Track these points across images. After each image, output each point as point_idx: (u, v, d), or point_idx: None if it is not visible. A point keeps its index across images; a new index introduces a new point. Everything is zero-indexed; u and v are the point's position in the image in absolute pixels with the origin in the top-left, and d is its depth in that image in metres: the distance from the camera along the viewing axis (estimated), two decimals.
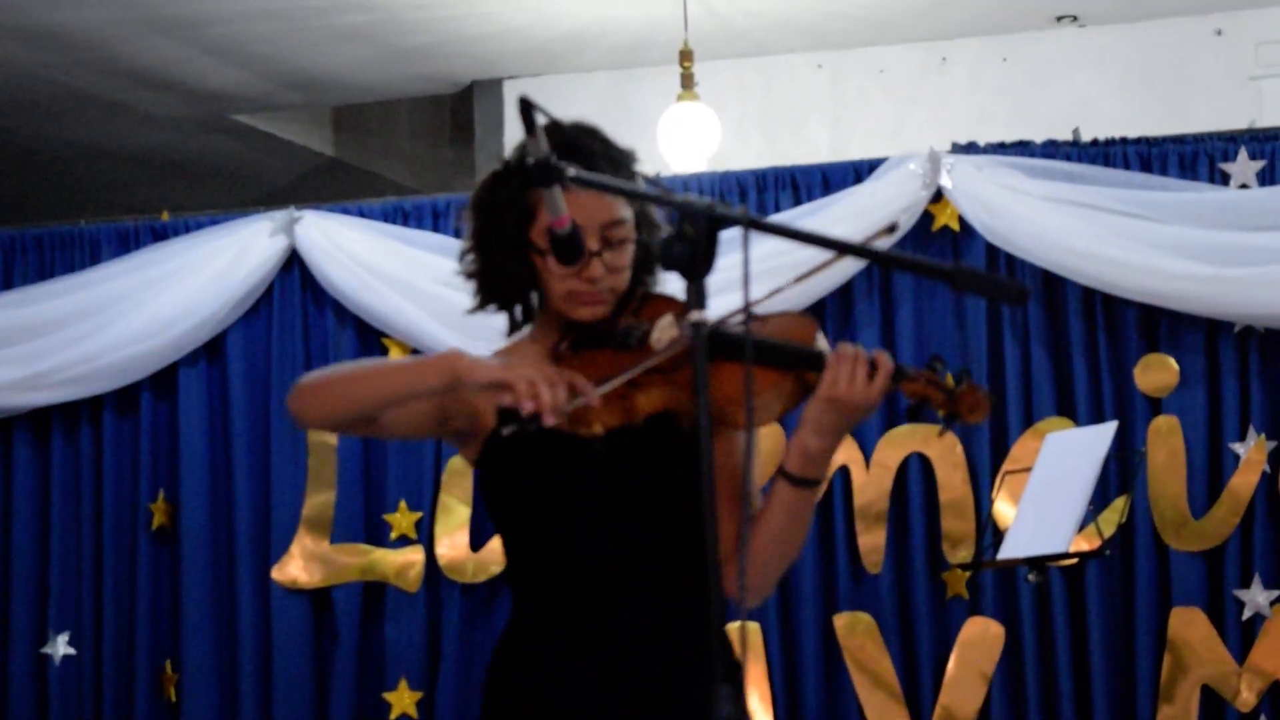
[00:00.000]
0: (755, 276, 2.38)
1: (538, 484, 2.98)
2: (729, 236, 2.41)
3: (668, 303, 2.99)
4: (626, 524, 2.94)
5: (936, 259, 5.83)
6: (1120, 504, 5.78)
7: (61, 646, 6.61)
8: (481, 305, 3.10)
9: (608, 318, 3.00)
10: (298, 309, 6.58)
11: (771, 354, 2.82)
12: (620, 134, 3.09)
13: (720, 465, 2.94)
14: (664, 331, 2.88)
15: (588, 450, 2.89)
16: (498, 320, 3.15)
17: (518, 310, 3.11)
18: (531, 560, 3.02)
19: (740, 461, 2.99)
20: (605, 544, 2.95)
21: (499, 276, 3.05)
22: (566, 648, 2.95)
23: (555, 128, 2.90)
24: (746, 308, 2.44)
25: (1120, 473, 5.90)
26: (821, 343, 2.86)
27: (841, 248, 2.54)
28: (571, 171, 2.65)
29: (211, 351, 6.59)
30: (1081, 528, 5.39)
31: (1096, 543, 5.47)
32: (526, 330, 3.12)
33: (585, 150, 2.97)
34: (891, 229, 2.78)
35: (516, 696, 2.99)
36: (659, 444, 2.92)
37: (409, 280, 6.37)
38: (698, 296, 2.39)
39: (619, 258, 2.99)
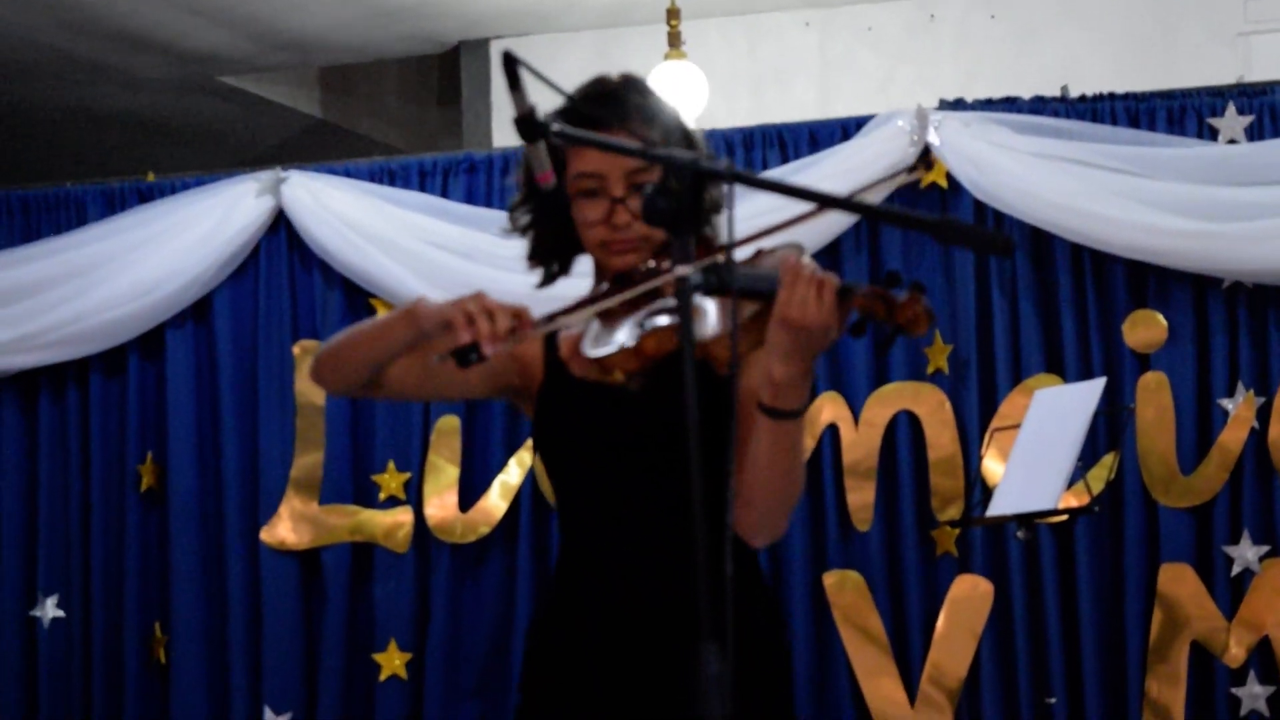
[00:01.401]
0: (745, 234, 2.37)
1: (575, 431, 3.03)
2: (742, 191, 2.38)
3: (703, 247, 2.89)
4: (658, 467, 2.96)
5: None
6: (1109, 460, 5.79)
7: (50, 609, 6.61)
8: (532, 258, 3.11)
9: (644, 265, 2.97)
10: (284, 270, 6.57)
11: (742, 282, 2.74)
12: None
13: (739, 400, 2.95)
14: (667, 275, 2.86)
15: (622, 395, 2.92)
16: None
17: (555, 265, 3.11)
18: (573, 508, 3.09)
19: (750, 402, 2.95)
20: (638, 487, 2.98)
21: (543, 228, 3.07)
22: (603, 592, 3.00)
23: (597, 82, 3.01)
24: (729, 262, 2.42)
25: (1109, 429, 5.90)
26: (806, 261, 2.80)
27: (828, 201, 2.53)
28: (555, 128, 2.64)
29: (198, 313, 6.58)
30: (1070, 484, 5.40)
31: (1085, 499, 5.48)
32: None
33: (619, 102, 2.99)
34: (913, 168, 2.74)
35: (558, 635, 3.05)
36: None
37: (395, 240, 6.36)
38: (682, 251, 2.37)
39: None
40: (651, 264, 2.91)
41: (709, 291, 2.65)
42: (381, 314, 3.12)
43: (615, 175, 2.95)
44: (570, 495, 3.10)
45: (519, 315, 2.78)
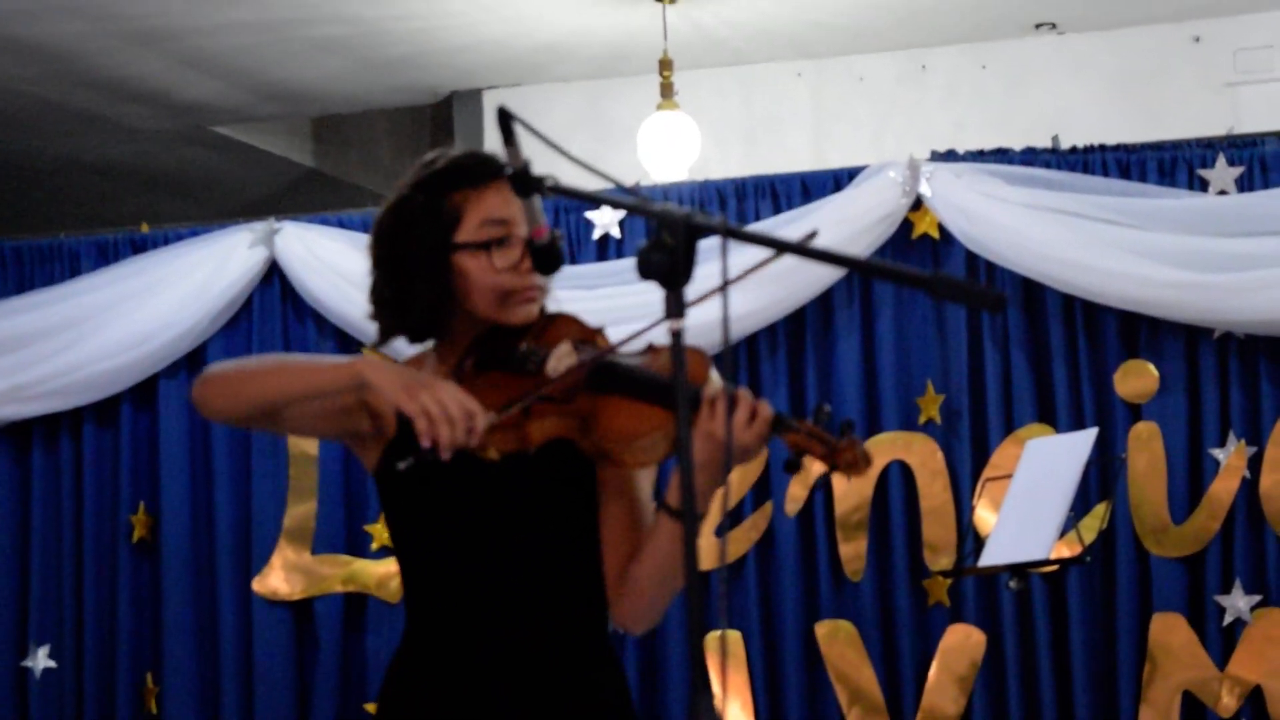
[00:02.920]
0: (732, 287, 2.37)
1: (433, 502, 2.94)
2: (707, 246, 2.40)
3: (569, 324, 2.94)
4: (516, 546, 2.91)
5: (916, 267, 5.83)
6: (1101, 510, 5.79)
7: (42, 659, 6.59)
8: (391, 331, 2.99)
9: (532, 322, 2.95)
10: (278, 320, 6.57)
11: (654, 391, 2.77)
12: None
13: (611, 497, 2.94)
14: (560, 359, 2.84)
15: (484, 470, 2.87)
16: None
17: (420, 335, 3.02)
18: (424, 578, 3.01)
19: (634, 493, 2.95)
20: (495, 566, 2.91)
21: (417, 293, 2.94)
22: (453, 667, 2.93)
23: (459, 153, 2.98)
24: (725, 319, 2.43)
25: (1101, 479, 5.91)
26: (714, 377, 2.80)
27: (820, 256, 2.54)
28: (550, 181, 2.65)
29: (192, 363, 6.57)
30: (1062, 534, 5.39)
31: (1078, 549, 5.48)
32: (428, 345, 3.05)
33: (488, 161, 2.95)
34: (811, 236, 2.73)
35: (408, 715, 2.97)
36: (555, 469, 2.89)
37: None
38: (677, 305, 2.38)
39: None
40: (526, 345, 2.89)
41: (612, 389, 2.71)
42: (297, 356, 3.05)
43: (519, 219, 2.91)
44: (423, 567, 3.01)
45: (472, 417, 2.71)
